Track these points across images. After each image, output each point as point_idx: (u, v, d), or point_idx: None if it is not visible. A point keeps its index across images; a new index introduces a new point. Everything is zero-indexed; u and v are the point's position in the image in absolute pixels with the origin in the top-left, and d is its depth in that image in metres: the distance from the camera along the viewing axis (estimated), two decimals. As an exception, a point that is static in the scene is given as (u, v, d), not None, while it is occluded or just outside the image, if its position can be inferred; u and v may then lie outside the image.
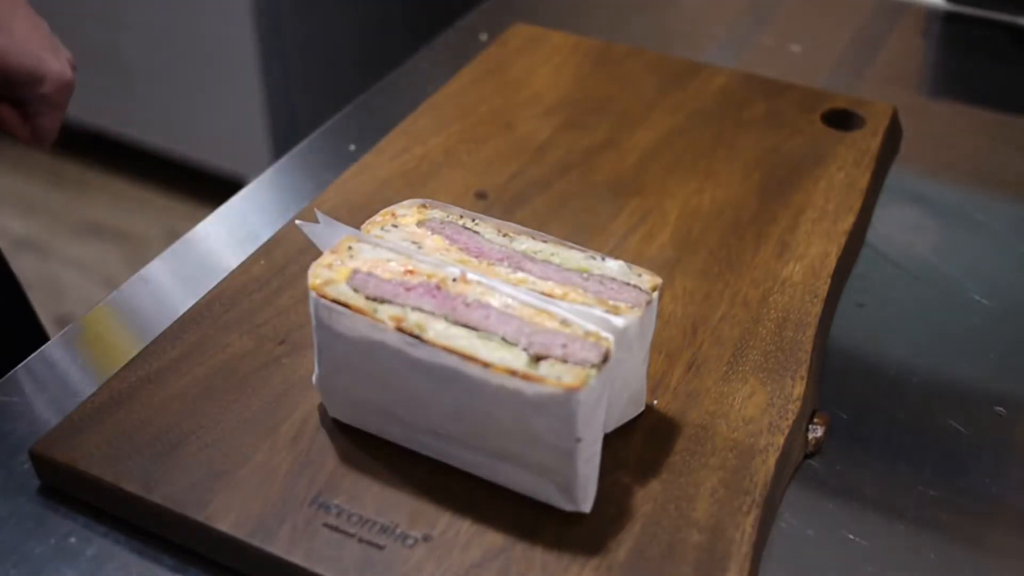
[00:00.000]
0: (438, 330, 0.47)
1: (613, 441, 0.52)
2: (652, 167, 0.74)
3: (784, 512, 0.53)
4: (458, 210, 0.55)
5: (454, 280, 0.49)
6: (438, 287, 0.49)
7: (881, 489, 0.54)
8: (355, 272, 0.50)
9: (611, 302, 0.49)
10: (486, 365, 0.45)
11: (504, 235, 0.53)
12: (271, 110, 1.86)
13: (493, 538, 0.48)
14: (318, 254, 0.52)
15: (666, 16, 1.02)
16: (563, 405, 0.45)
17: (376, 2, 1.96)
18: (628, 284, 0.50)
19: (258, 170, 0.80)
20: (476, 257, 0.52)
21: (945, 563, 0.51)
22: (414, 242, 0.52)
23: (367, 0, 1.95)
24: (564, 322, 0.47)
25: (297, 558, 0.47)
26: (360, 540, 0.48)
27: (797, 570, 0.50)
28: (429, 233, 0.53)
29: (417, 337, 0.47)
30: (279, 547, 0.47)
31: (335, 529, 0.48)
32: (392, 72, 0.90)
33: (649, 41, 0.93)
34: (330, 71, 1.90)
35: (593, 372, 0.45)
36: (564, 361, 0.45)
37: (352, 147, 0.80)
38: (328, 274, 0.49)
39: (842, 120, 0.79)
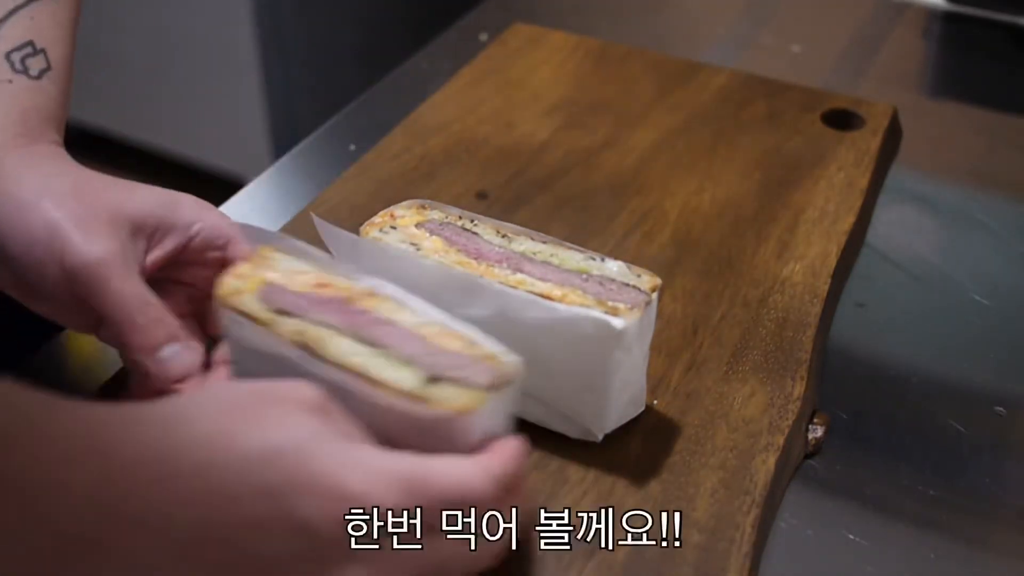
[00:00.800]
0: (338, 345, 0.45)
1: (613, 441, 0.52)
2: (652, 167, 0.74)
3: (784, 512, 0.53)
4: (457, 211, 0.55)
5: (370, 295, 0.47)
6: (347, 302, 0.47)
7: (881, 489, 0.54)
8: (266, 283, 0.48)
9: (610, 303, 0.49)
10: (375, 384, 0.44)
11: (503, 236, 0.53)
12: (271, 110, 1.85)
13: (493, 538, 0.48)
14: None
15: (666, 16, 1.02)
16: (451, 427, 0.43)
17: (376, 2, 1.96)
18: (627, 285, 0.50)
19: (258, 170, 0.80)
20: (475, 259, 0.51)
21: (945, 563, 0.51)
22: (413, 244, 0.52)
23: (367, 0, 1.94)
24: (470, 343, 0.45)
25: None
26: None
27: (797, 570, 0.50)
28: (428, 235, 0.53)
29: (312, 352, 0.45)
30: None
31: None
32: (392, 72, 0.90)
33: (649, 41, 0.93)
34: (330, 71, 1.90)
35: (486, 395, 0.43)
36: (457, 383, 0.44)
37: (352, 147, 0.80)
38: (237, 284, 0.48)
39: (842, 120, 0.79)
